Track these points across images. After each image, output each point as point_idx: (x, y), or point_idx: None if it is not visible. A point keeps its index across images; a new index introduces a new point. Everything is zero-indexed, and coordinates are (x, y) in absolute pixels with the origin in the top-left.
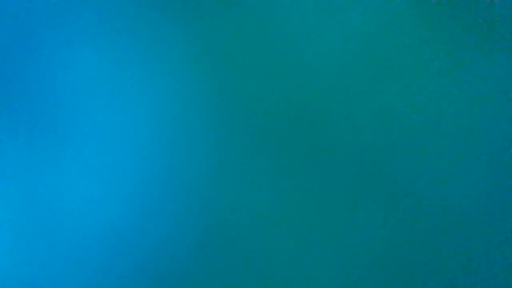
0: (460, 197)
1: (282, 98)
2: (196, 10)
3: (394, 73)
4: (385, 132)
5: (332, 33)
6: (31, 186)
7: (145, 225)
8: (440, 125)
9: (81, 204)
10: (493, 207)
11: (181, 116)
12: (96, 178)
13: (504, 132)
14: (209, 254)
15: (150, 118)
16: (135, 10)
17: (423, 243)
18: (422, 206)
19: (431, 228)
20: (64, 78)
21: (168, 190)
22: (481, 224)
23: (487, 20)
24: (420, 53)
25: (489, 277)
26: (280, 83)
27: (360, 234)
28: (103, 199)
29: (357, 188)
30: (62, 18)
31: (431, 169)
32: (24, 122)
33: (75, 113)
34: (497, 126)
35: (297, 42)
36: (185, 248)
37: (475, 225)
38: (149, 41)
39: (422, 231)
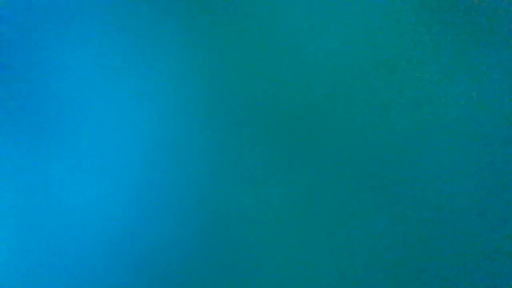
0: (460, 197)
1: (281, 98)
2: (196, 9)
3: (394, 73)
4: (385, 131)
5: (332, 32)
6: (31, 186)
7: (145, 225)
8: (440, 125)
9: (80, 204)
10: (493, 207)
11: (181, 115)
12: (96, 178)
13: (504, 132)
14: (209, 253)
15: (150, 118)
16: (135, 10)
17: (423, 243)
18: (422, 206)
19: (431, 228)
20: (64, 78)
21: (168, 190)
22: (482, 224)
23: (487, 20)
24: (420, 52)
25: (489, 277)
26: (279, 83)
27: (360, 233)
28: (102, 199)
29: (357, 188)
30: (62, 18)
31: (431, 169)
32: (24, 122)
33: (75, 113)
34: (497, 126)
35: (296, 42)
36: (185, 248)
37: (475, 225)
38: (148, 42)
39: (422, 231)
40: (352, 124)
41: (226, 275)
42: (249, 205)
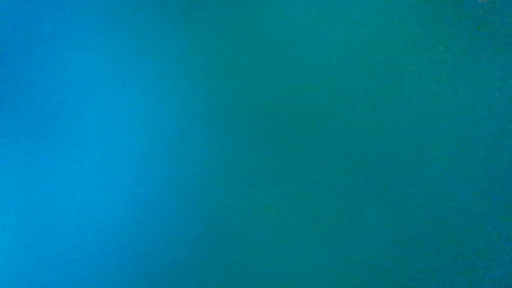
0: (460, 197)
1: (282, 98)
2: (196, 9)
3: (394, 73)
4: (385, 132)
5: (332, 32)
6: (31, 186)
7: (145, 225)
8: (440, 125)
9: (81, 204)
10: (493, 207)
11: (181, 116)
12: (96, 178)
13: (504, 132)
14: (209, 254)
15: (150, 119)
16: (135, 11)
17: (423, 243)
18: (422, 206)
19: (431, 228)
20: (64, 78)
21: (168, 190)
22: (482, 224)
23: (487, 20)
24: (420, 53)
25: (489, 277)
26: (279, 83)
27: (360, 234)
28: (102, 199)
29: (357, 188)
30: (62, 18)
31: (431, 169)
32: (24, 123)
33: (75, 113)
34: (497, 126)
35: (297, 42)
36: (185, 248)
37: (475, 225)
38: (149, 42)
39: (422, 231)
40: (352, 124)
41: (226, 274)
42: (250, 205)
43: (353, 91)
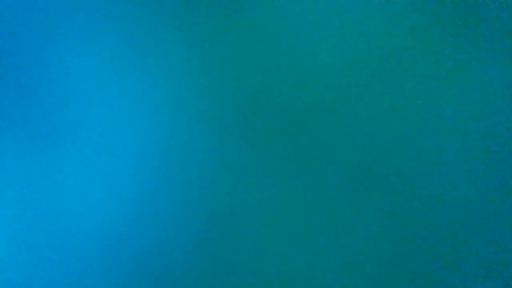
0: (460, 197)
1: (281, 98)
2: (195, 10)
3: (394, 74)
4: (385, 132)
5: (332, 33)
6: (31, 186)
7: (145, 225)
8: (440, 126)
9: (81, 205)
10: (493, 207)
11: (180, 116)
12: (96, 178)
13: (504, 132)
14: (208, 254)
15: (150, 119)
16: (134, 12)
17: (422, 243)
18: (421, 206)
19: (431, 228)
20: (63, 79)
21: (167, 190)
22: (481, 224)
23: (487, 20)
24: (420, 53)
25: (489, 277)
26: (279, 83)
27: (360, 234)
28: (102, 199)
29: (357, 188)
30: (62, 20)
31: (431, 169)
32: (24, 123)
33: (75, 114)
34: (497, 126)
35: (296, 43)
36: (184, 248)
37: (474, 225)
38: (148, 43)
39: (422, 231)
40: (352, 125)
41: (226, 274)
42: (249, 205)
43: (352, 91)
